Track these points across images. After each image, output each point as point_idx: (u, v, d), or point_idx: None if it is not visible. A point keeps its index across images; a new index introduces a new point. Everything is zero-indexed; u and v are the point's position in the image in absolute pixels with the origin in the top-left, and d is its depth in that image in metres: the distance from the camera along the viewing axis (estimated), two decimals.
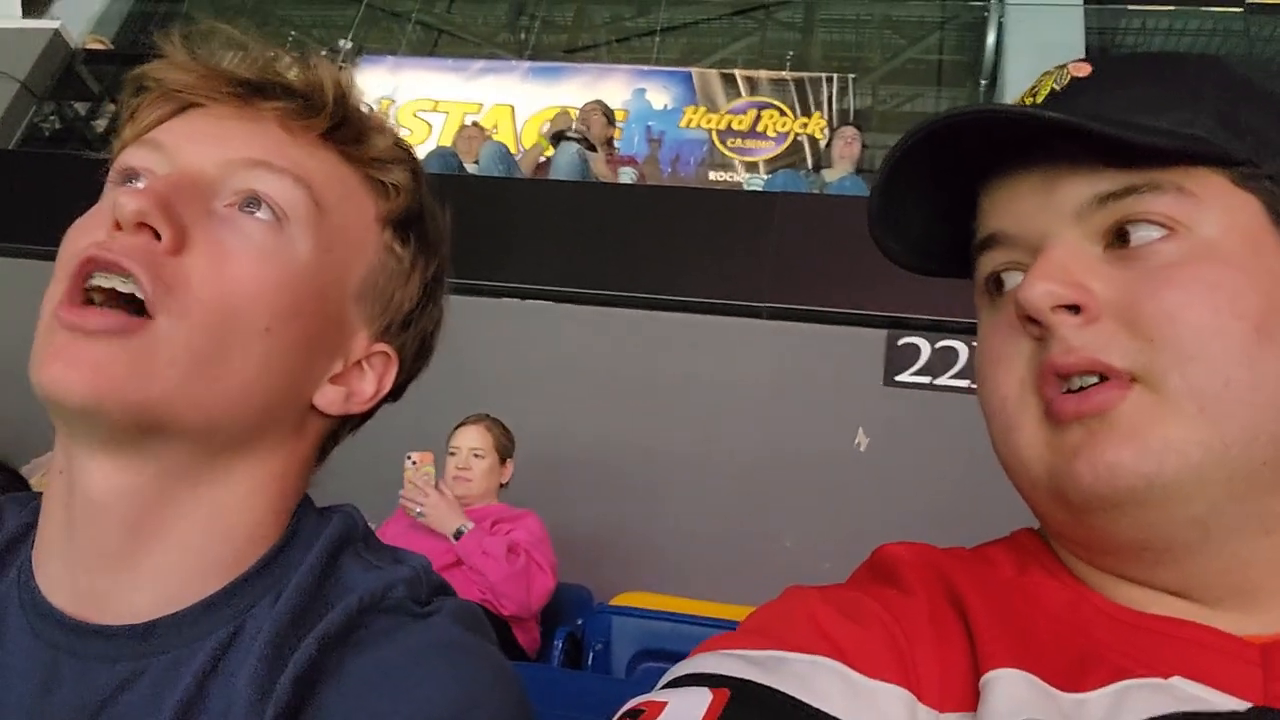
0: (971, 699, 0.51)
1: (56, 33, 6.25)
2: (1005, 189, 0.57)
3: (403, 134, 0.73)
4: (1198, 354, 0.49)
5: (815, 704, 0.48)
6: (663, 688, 0.52)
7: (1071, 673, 0.51)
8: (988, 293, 0.59)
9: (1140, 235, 0.52)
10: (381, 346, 0.70)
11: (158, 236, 0.57)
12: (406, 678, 0.57)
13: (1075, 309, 0.52)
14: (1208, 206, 0.52)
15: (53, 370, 0.55)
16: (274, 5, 8.08)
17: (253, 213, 0.61)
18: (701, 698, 0.49)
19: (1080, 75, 0.57)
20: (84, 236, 0.59)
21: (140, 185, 0.62)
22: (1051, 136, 0.54)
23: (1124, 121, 0.51)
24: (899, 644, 0.54)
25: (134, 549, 0.60)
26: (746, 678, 0.50)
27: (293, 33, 7.76)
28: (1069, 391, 0.52)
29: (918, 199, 0.61)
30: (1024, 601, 0.56)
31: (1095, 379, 0.51)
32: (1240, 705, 0.46)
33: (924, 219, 0.62)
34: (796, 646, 0.52)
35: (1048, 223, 0.54)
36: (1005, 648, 0.52)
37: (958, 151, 0.57)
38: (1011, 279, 0.57)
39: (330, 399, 0.67)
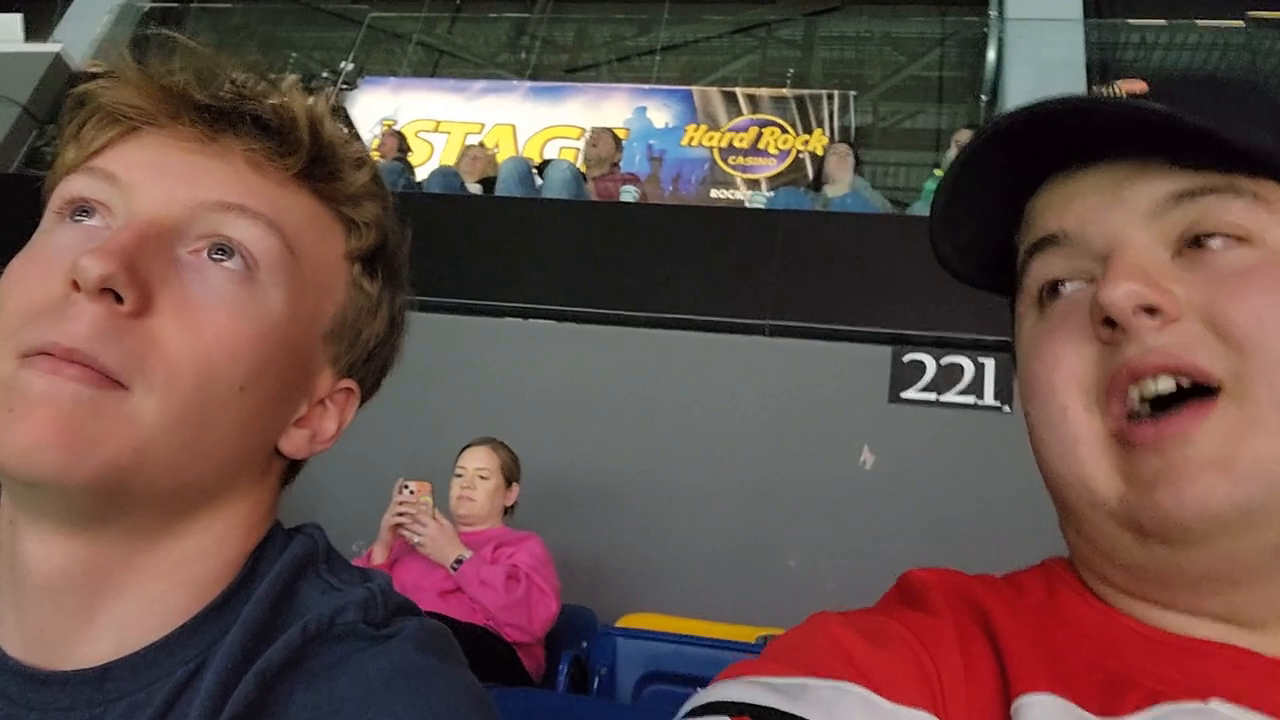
0: None
1: (58, 56, 6.31)
2: (1063, 191, 0.57)
3: (370, 152, 0.69)
4: None
5: None
6: (685, 716, 0.51)
7: (1106, 697, 0.49)
8: (1038, 301, 0.58)
9: (1214, 241, 0.51)
10: (345, 383, 0.67)
11: (120, 298, 0.52)
12: (361, 709, 0.53)
13: (1152, 312, 0.50)
14: (1277, 216, 0.51)
15: (22, 430, 0.50)
16: (276, 28, 8.13)
17: (222, 261, 0.57)
18: None
19: (1136, 92, 0.56)
20: (33, 290, 0.53)
21: (93, 224, 0.57)
22: (1123, 135, 0.53)
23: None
24: (925, 668, 0.52)
25: (90, 612, 0.57)
26: (769, 705, 0.48)
27: (294, 54, 7.81)
28: (1142, 402, 0.50)
29: (973, 202, 0.60)
30: (1056, 624, 0.55)
31: (1169, 384, 0.49)
32: None
33: (975, 225, 0.61)
34: (820, 672, 0.51)
35: (1117, 223, 0.53)
36: (1037, 671, 0.51)
37: (1012, 158, 0.57)
38: (1072, 286, 0.56)
39: (296, 444, 0.65)
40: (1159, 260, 0.52)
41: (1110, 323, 0.51)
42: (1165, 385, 0.49)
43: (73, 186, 0.58)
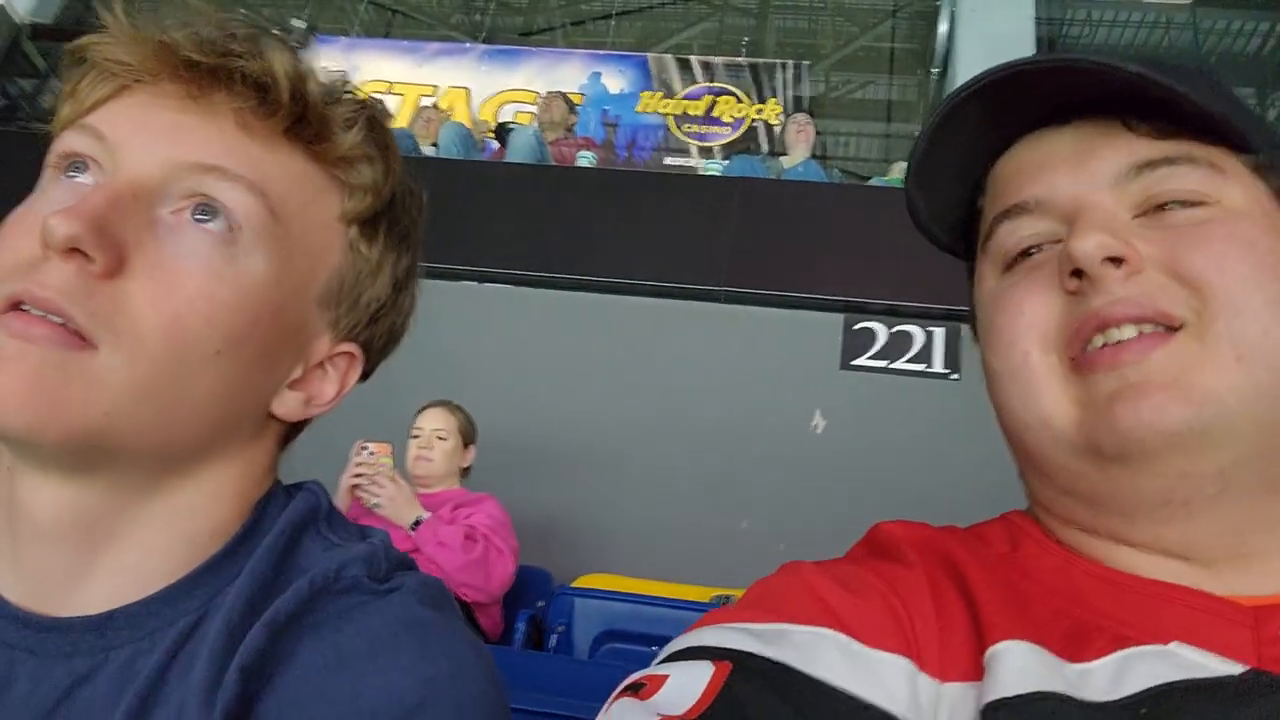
0: (974, 670, 0.51)
1: (0, 9, 6.09)
2: (1031, 158, 0.59)
3: (379, 106, 0.67)
4: (1244, 303, 0.50)
5: (817, 674, 0.49)
6: (663, 661, 0.52)
7: (1073, 643, 0.51)
8: (1004, 264, 0.60)
9: (1172, 207, 0.54)
10: (346, 347, 0.66)
11: (91, 259, 0.52)
12: (368, 662, 0.54)
13: (1118, 262, 0.52)
14: (1233, 182, 0.54)
15: None
16: None
17: (203, 222, 0.56)
18: (703, 670, 0.49)
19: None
20: (17, 246, 0.54)
21: (83, 180, 0.57)
22: (1087, 101, 0.56)
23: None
24: (898, 614, 0.54)
25: (86, 560, 0.57)
26: (748, 650, 0.50)
27: (243, 11, 7.59)
28: (1103, 347, 0.52)
29: (943, 167, 0.62)
30: (1020, 576, 0.57)
31: (1132, 333, 0.52)
32: (1236, 669, 0.47)
33: (944, 190, 0.63)
34: (797, 618, 0.53)
35: (1084, 188, 0.56)
36: (1009, 620, 0.52)
37: (979, 122, 0.59)
38: (1041, 250, 0.58)
39: (290, 407, 0.64)
40: (1123, 219, 0.55)
41: (1078, 274, 0.53)
42: (1128, 334, 0.52)
43: (66, 142, 0.58)
